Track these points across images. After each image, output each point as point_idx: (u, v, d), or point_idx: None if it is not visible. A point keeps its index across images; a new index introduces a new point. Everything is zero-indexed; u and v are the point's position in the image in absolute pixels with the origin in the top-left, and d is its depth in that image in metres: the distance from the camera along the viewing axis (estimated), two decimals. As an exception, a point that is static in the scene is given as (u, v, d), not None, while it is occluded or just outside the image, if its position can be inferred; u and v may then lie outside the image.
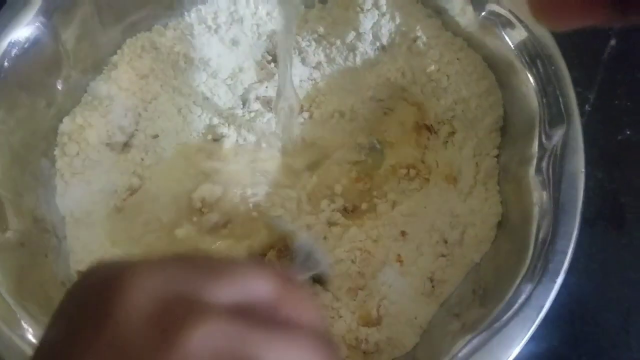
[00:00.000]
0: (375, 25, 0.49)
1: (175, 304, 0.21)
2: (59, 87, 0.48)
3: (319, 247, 0.45)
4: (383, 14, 0.49)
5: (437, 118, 0.50)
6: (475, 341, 0.37)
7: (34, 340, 0.38)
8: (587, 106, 0.53)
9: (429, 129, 0.51)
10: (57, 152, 0.48)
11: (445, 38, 0.48)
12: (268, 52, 0.54)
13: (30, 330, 0.38)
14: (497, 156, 0.47)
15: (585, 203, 0.39)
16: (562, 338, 0.46)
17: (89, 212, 0.49)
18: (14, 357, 0.38)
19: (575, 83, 0.42)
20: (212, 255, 0.25)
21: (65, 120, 0.49)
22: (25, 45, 0.44)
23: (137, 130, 0.51)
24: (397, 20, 0.49)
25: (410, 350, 0.43)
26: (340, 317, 0.45)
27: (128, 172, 0.50)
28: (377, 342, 0.43)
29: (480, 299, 0.41)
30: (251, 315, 0.22)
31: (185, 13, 0.51)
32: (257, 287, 0.23)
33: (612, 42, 0.55)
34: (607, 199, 0.50)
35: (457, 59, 0.48)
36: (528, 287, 0.37)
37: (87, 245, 0.48)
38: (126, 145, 0.51)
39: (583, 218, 0.39)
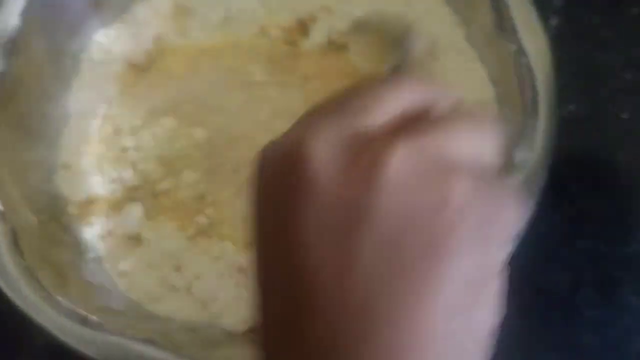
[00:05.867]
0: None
1: (358, 146, 0.22)
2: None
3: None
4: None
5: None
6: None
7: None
8: (530, 84, 0.54)
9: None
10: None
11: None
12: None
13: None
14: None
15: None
16: (513, 308, 0.48)
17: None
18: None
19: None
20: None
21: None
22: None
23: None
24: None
25: None
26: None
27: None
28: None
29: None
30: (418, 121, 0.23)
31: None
32: (409, 96, 0.24)
33: (554, 21, 0.57)
34: (552, 173, 0.52)
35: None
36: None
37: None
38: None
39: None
